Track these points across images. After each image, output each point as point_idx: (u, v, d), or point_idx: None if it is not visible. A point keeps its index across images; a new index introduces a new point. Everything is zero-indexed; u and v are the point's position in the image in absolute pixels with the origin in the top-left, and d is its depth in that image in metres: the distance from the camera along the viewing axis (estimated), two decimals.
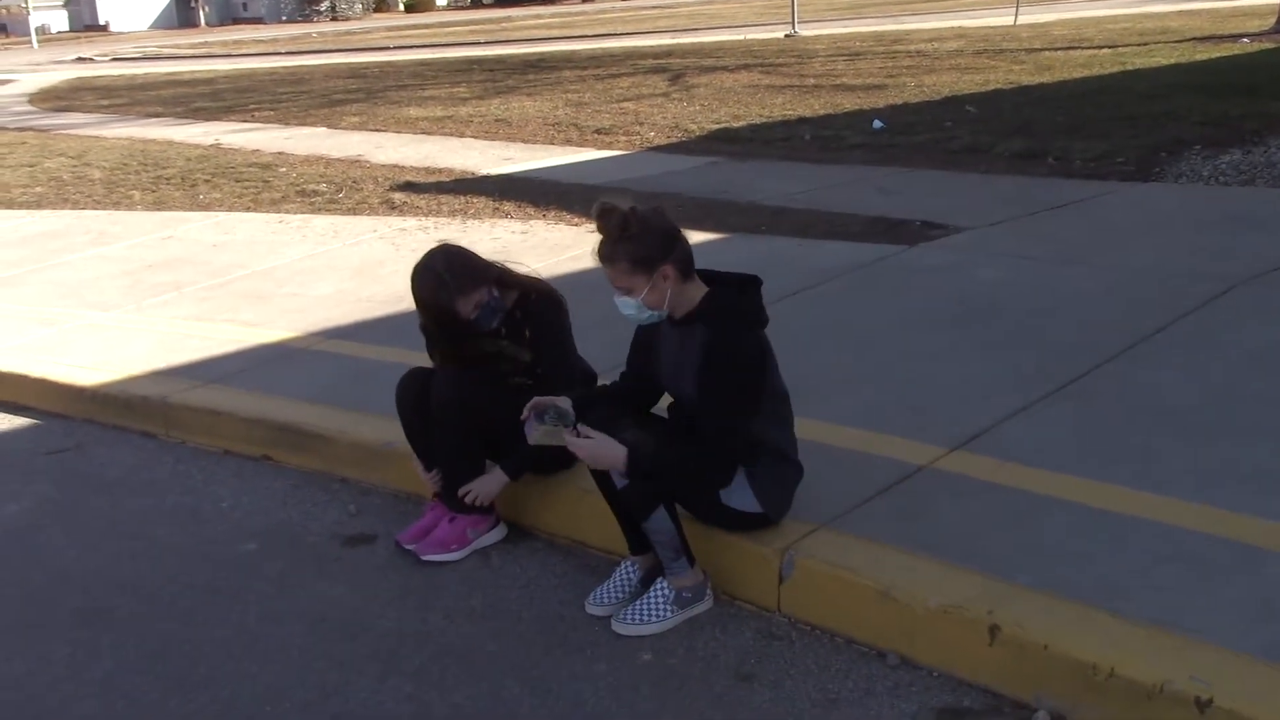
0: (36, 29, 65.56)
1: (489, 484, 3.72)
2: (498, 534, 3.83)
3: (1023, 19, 24.95)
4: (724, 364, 3.16)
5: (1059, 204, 7.46)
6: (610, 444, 3.15)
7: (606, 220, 3.14)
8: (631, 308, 3.24)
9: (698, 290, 3.25)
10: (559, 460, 3.67)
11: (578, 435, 3.20)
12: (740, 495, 3.27)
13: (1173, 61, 15.43)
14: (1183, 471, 3.55)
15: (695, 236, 7.03)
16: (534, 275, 3.96)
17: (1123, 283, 5.61)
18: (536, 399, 3.34)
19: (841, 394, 4.40)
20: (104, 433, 5.06)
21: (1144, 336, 4.77)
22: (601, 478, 3.35)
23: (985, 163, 9.13)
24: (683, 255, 3.21)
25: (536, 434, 3.27)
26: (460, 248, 3.75)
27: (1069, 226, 6.88)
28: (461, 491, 3.70)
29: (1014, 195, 7.84)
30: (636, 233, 3.13)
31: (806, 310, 5.51)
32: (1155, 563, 3.03)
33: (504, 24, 49.60)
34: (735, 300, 3.27)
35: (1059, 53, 17.70)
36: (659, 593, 3.28)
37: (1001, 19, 26.12)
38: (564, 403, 3.33)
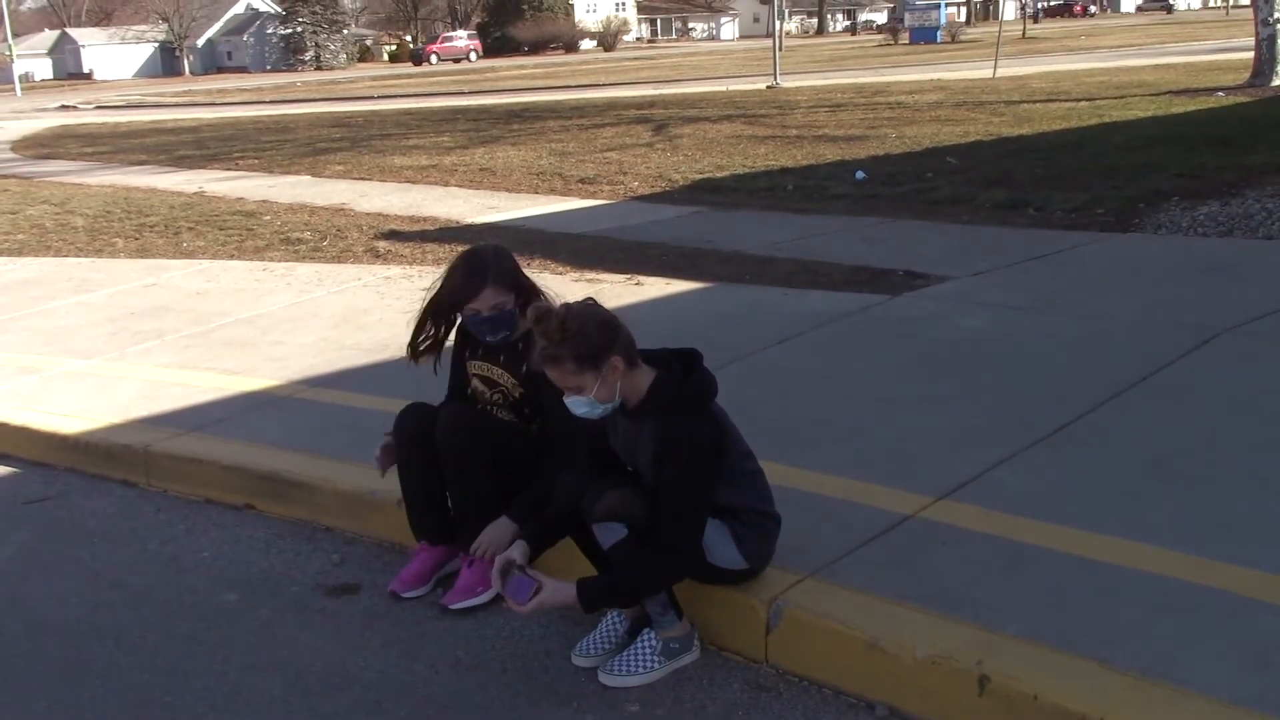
0: (20, 76, 65.70)
1: (498, 534, 3.57)
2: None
3: (1001, 72, 25.30)
4: (679, 458, 3.12)
5: (1040, 254, 7.52)
6: (559, 589, 3.10)
7: (544, 323, 3.10)
8: (584, 406, 3.18)
9: (645, 377, 3.22)
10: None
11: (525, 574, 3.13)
12: (724, 552, 3.24)
13: (1150, 114, 15.65)
14: (1171, 520, 3.55)
15: (679, 286, 7.11)
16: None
17: (1105, 332, 5.64)
18: (501, 560, 3.21)
19: (826, 443, 4.40)
20: (85, 481, 5.01)
21: (1128, 385, 4.79)
22: (582, 534, 3.32)
23: (967, 213, 9.21)
24: (626, 343, 3.19)
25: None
26: (509, 253, 3.86)
27: (1051, 276, 6.93)
28: (473, 546, 3.64)
29: (996, 245, 7.90)
30: (576, 330, 3.09)
31: (791, 359, 5.52)
32: (1145, 613, 3.03)
33: (487, 74, 49.99)
34: (680, 389, 3.23)
35: (1038, 105, 17.93)
36: (646, 643, 3.25)
37: (980, 72, 26.48)
38: (519, 553, 3.23)
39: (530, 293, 3.79)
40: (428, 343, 3.86)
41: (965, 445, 4.26)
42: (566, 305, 3.16)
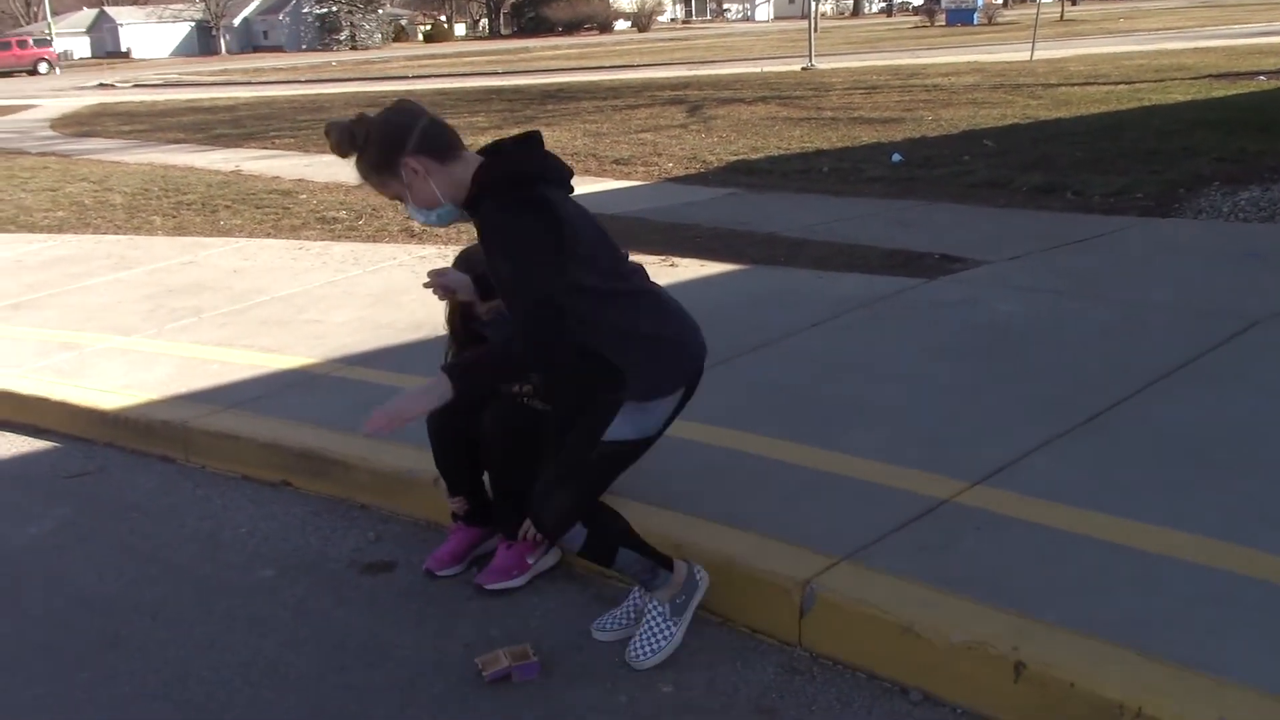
0: (59, 55, 66.18)
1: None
2: (553, 557, 3.80)
3: (1039, 54, 25.04)
4: (497, 245, 2.88)
5: (1078, 239, 7.46)
6: (418, 389, 2.94)
7: (336, 140, 2.89)
8: (419, 215, 2.99)
9: (469, 168, 2.94)
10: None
11: None
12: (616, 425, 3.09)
13: (1190, 98, 15.45)
14: (1209, 508, 3.52)
15: (714, 268, 7.09)
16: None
17: (1144, 318, 5.59)
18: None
19: (861, 427, 4.38)
20: (124, 457, 5.07)
21: (1167, 372, 4.75)
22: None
23: (1004, 197, 9.14)
24: (425, 140, 2.89)
25: None
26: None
27: (1089, 261, 6.87)
28: (522, 531, 3.67)
29: (1033, 229, 7.84)
30: (364, 140, 2.89)
31: (826, 342, 5.50)
32: (1183, 601, 3.01)
33: (522, 55, 49.92)
34: (491, 169, 2.92)
35: (1076, 88, 17.75)
36: (654, 614, 3.26)
37: (1018, 54, 26.23)
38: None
39: None
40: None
41: (1001, 431, 4.24)
42: (359, 114, 2.93)
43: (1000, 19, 53.07)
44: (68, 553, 4.16)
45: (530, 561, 3.73)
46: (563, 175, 3.03)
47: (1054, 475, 3.83)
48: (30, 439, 5.35)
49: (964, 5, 53.94)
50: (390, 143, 2.88)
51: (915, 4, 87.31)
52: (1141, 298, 5.96)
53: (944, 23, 53.76)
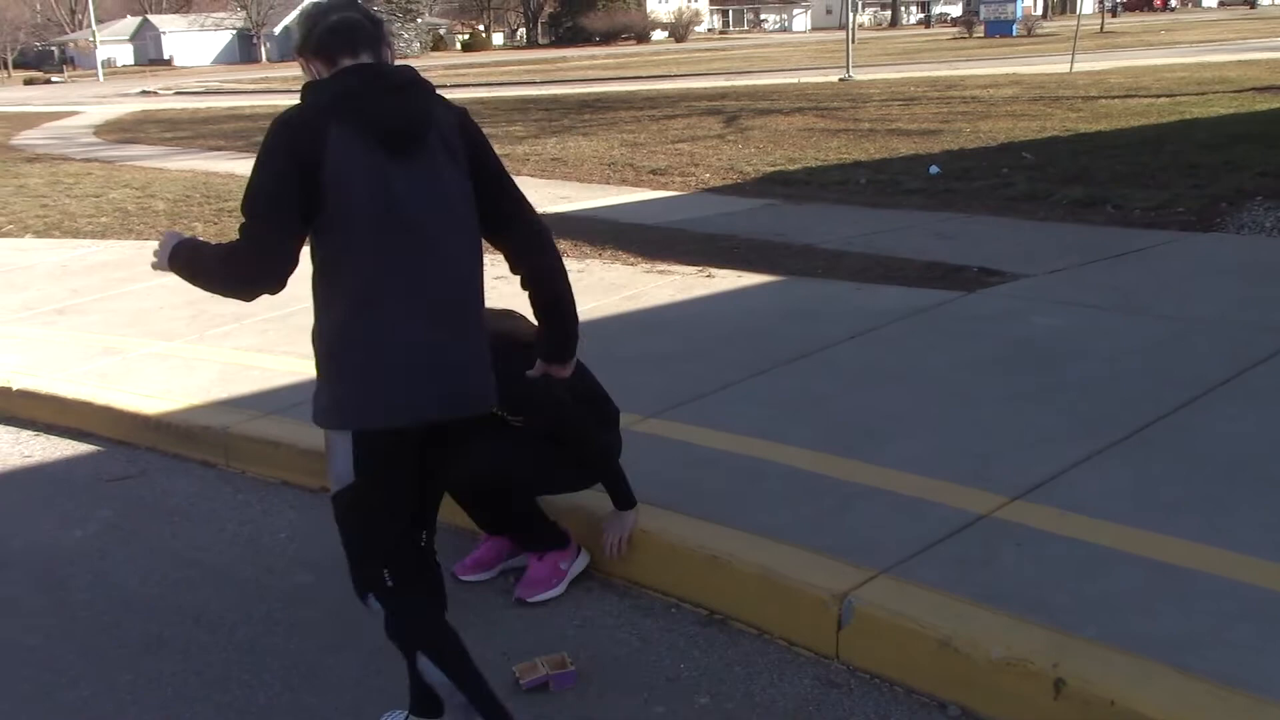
0: (103, 62, 67.01)
1: (624, 526, 3.69)
2: (584, 560, 3.81)
3: (1079, 66, 24.88)
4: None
5: (1119, 253, 7.41)
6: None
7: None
8: None
9: None
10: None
11: None
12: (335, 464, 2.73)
13: (1232, 111, 15.32)
14: (1252, 526, 3.49)
15: (751, 279, 7.10)
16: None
17: (1185, 333, 5.55)
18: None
19: (900, 439, 4.37)
20: (166, 461, 5.12)
21: (1209, 387, 4.71)
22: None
23: (1043, 210, 9.10)
24: (318, 42, 2.64)
25: None
26: None
27: (1129, 275, 6.83)
28: (608, 546, 3.69)
29: (1073, 243, 7.80)
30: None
31: (864, 355, 5.49)
32: (1224, 619, 2.98)
33: (559, 64, 50.09)
34: (310, 89, 2.64)
35: (1116, 101, 17.63)
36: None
37: (1057, 66, 26.07)
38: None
39: None
40: None
41: (1041, 445, 4.22)
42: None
43: (1039, 30, 52.77)
44: (110, 556, 4.21)
45: (564, 568, 3.75)
46: (379, 124, 2.54)
47: (1094, 491, 3.81)
48: (74, 442, 5.41)
49: (1002, 16, 53.70)
50: (298, 37, 2.68)
51: (953, 15, 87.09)
52: (1183, 313, 5.91)
53: (982, 34, 53.56)
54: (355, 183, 2.51)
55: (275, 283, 2.56)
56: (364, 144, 2.51)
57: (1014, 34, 51.21)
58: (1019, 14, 53.95)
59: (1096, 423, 4.41)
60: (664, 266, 7.55)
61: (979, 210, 9.26)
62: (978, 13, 58.53)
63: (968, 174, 10.96)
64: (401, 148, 2.55)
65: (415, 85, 2.64)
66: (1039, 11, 77.05)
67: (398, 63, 2.69)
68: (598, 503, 3.82)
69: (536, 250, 2.93)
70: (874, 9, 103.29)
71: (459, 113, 2.74)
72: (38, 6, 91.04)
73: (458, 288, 2.68)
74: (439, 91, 2.73)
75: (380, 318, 2.57)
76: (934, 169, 11.27)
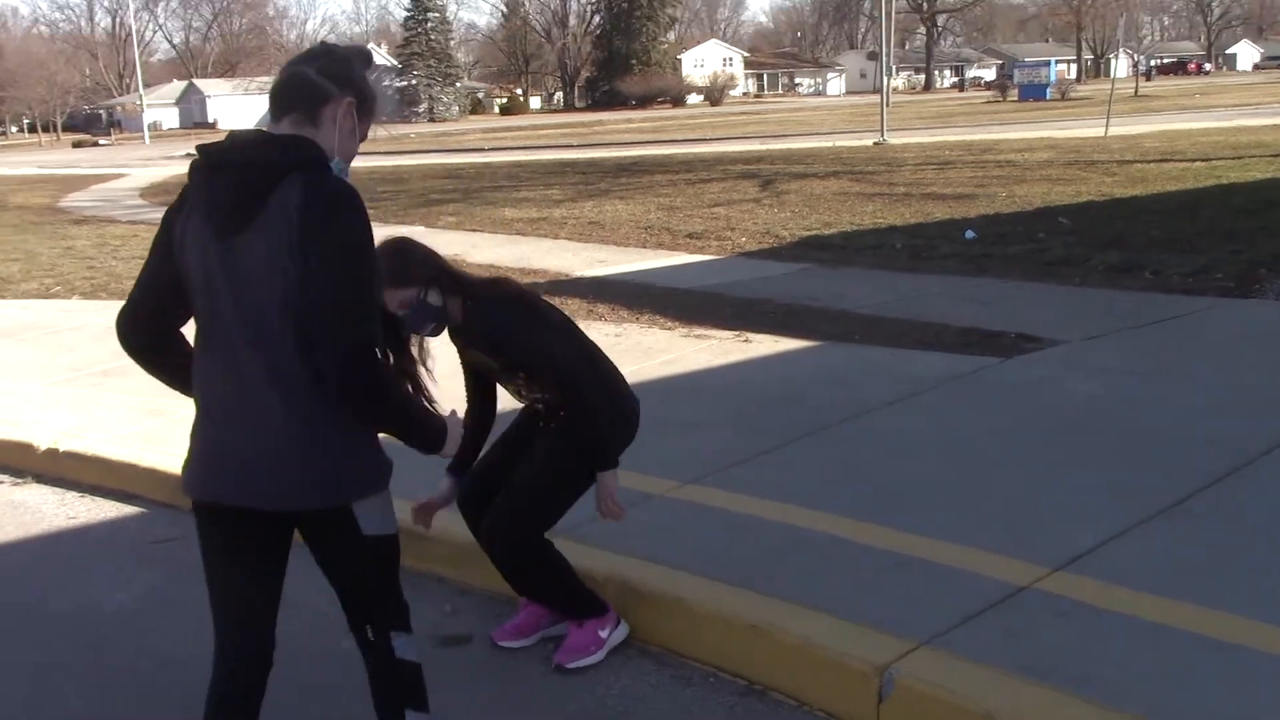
0: (149, 125, 68.39)
1: (608, 485, 3.62)
2: (623, 630, 3.81)
3: (1113, 130, 24.93)
4: None
5: (1157, 319, 7.39)
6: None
7: None
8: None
9: None
10: None
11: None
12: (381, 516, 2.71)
13: (1269, 176, 15.29)
14: None
15: (788, 344, 7.12)
16: (489, 278, 3.69)
17: (1227, 401, 5.52)
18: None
19: (938, 507, 4.36)
20: None
21: (1251, 458, 4.68)
22: None
23: (1080, 275, 9.09)
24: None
25: None
26: (407, 241, 3.52)
27: (1169, 342, 6.81)
28: (603, 509, 3.63)
29: (1111, 309, 7.78)
30: None
31: (901, 421, 5.49)
32: (1269, 694, 2.95)
33: (596, 127, 50.65)
34: None
35: (1151, 165, 17.63)
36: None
37: (1092, 130, 26.13)
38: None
39: (435, 271, 3.48)
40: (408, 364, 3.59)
41: (1081, 515, 4.20)
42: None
43: (1073, 94, 52.95)
44: (153, 617, 4.25)
45: (604, 635, 3.75)
46: (200, 201, 2.48)
47: (1137, 562, 3.78)
48: (119, 504, 5.48)
49: (1036, 80, 54.00)
50: None
51: (987, 79, 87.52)
52: (1224, 380, 5.88)
53: (1016, 98, 53.82)
54: (189, 259, 2.48)
55: (146, 338, 2.67)
56: (199, 220, 2.47)
57: (1048, 98, 51.42)
58: (1053, 78, 54.24)
59: (1137, 492, 4.38)
60: (701, 331, 7.59)
61: (1015, 275, 9.26)
62: (1011, 76, 58.90)
63: (1003, 239, 10.97)
64: (219, 226, 2.43)
65: (243, 164, 2.44)
66: (1072, 75, 77.36)
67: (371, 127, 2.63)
68: (638, 574, 3.83)
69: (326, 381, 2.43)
70: (908, 73, 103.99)
71: (310, 193, 2.39)
72: (87, 71, 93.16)
73: (254, 382, 2.47)
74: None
75: (199, 394, 2.62)
76: (969, 234, 11.30)
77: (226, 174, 2.44)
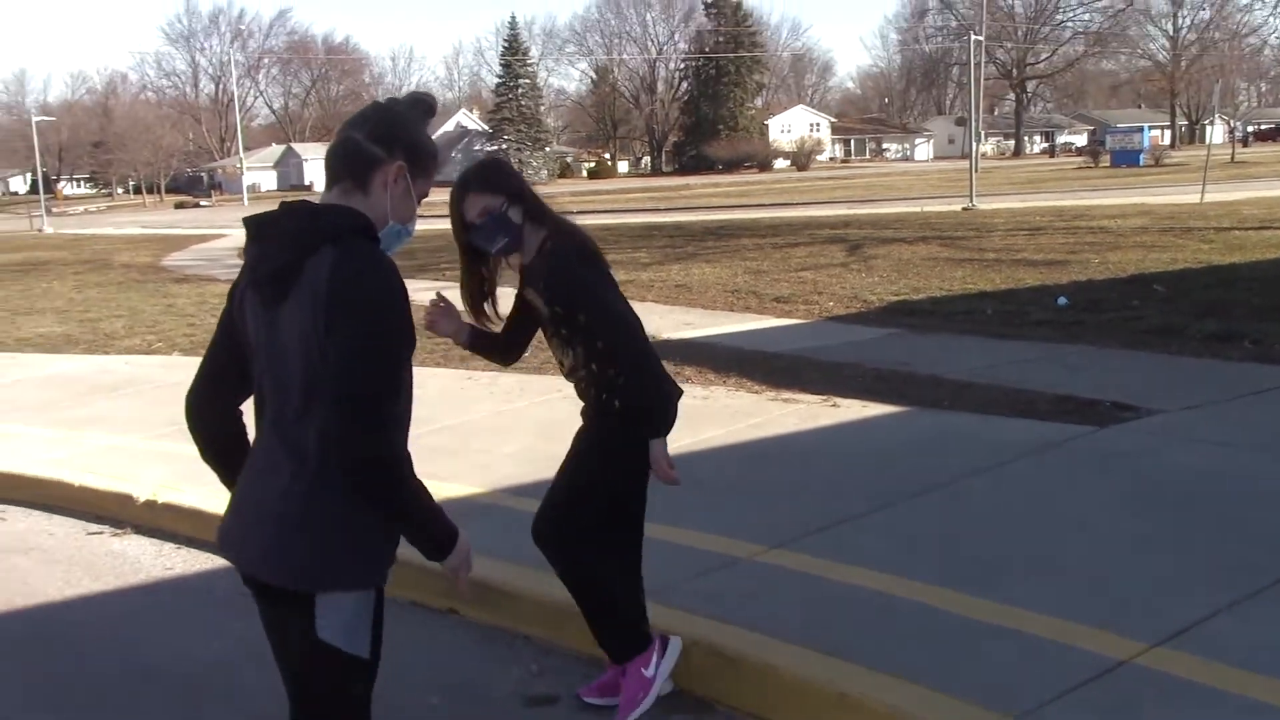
0: (248, 187, 70.39)
1: (659, 451, 3.59)
2: (674, 649, 3.80)
3: (1210, 197, 24.52)
4: None
5: (1259, 389, 7.21)
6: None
7: None
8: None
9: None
10: None
11: None
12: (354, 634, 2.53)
13: None
14: None
15: (876, 409, 7.06)
16: (569, 222, 3.58)
17: None
18: None
19: (1031, 579, 4.28)
20: None
21: None
22: None
23: (1177, 344, 8.91)
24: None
25: None
26: (505, 160, 3.57)
27: (1271, 413, 6.64)
28: (661, 472, 3.60)
29: (1209, 378, 7.61)
30: None
31: (993, 490, 5.41)
32: None
33: (683, 191, 51.03)
34: None
35: (1250, 232, 17.29)
36: None
37: (1187, 196, 25.73)
38: None
39: (530, 201, 3.48)
40: (475, 286, 3.63)
41: (1182, 589, 4.09)
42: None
43: (1168, 160, 52.24)
44: (242, 670, 4.30)
45: (649, 674, 3.72)
46: (246, 271, 2.54)
47: (1240, 639, 3.67)
48: (214, 556, 5.57)
49: (1129, 146, 53.39)
50: None
51: (1078, 144, 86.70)
52: None
53: (1109, 163, 53.21)
54: (247, 328, 2.52)
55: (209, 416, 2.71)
56: (251, 290, 2.50)
57: (1141, 164, 50.78)
58: (1146, 143, 53.61)
59: (1238, 568, 4.26)
60: (788, 395, 7.56)
61: (1109, 343, 9.11)
62: (1103, 142, 58.33)
63: (1097, 306, 10.81)
64: (264, 296, 2.45)
65: (280, 234, 2.46)
66: (1166, 141, 76.34)
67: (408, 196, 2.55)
68: (726, 638, 3.80)
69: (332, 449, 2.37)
70: (997, 138, 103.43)
71: (337, 266, 2.36)
72: (190, 135, 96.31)
73: (273, 448, 2.47)
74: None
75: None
76: (1062, 300, 11.15)
77: (267, 244, 2.47)
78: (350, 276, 2.35)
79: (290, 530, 2.43)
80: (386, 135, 2.50)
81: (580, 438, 3.74)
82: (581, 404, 3.69)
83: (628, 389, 3.48)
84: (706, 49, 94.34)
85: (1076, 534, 4.76)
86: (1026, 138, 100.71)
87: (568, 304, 3.46)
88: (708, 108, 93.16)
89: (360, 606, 2.50)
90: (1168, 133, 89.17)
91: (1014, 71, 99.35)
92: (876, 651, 3.71)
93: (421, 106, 2.61)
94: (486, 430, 7.07)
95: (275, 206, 2.51)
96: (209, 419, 2.71)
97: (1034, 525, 4.90)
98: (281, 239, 2.43)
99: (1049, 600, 4.05)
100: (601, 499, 3.68)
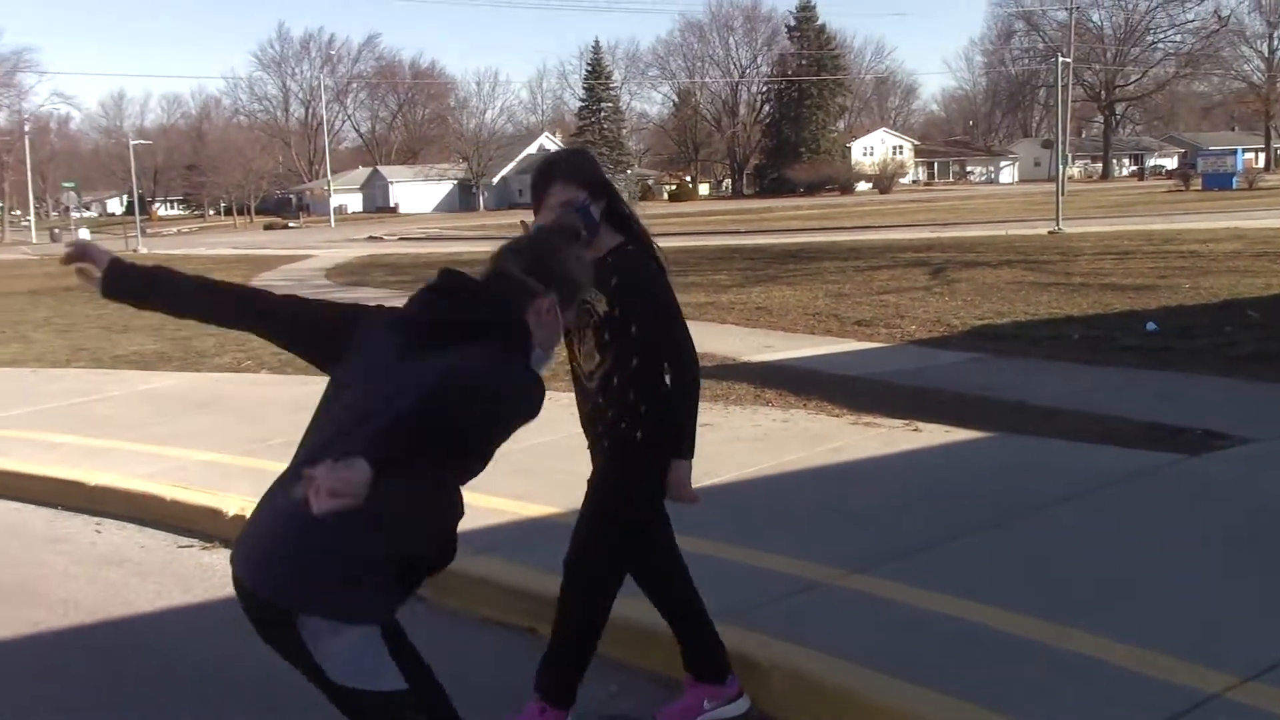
0: (335, 209, 71.67)
1: (682, 473, 3.54)
2: (740, 707, 3.77)
3: None
4: None
5: None
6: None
7: None
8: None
9: None
10: None
11: None
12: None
13: None
14: None
15: (960, 434, 6.98)
16: (647, 231, 3.57)
17: None
18: None
19: (1118, 608, 4.19)
20: None
21: None
22: None
23: (1272, 371, 8.70)
24: None
25: None
26: (592, 155, 3.56)
27: None
28: (682, 495, 3.54)
29: None
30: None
31: (1079, 517, 5.32)
32: None
33: (764, 214, 50.95)
34: None
35: None
36: None
37: None
38: None
39: (614, 199, 3.46)
40: None
41: (1275, 622, 3.98)
42: None
43: (1262, 183, 51.08)
44: (314, 689, 4.36)
45: (708, 707, 3.72)
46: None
47: None
48: None
49: (1222, 169, 52.28)
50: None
51: (1168, 167, 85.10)
52: None
53: (1200, 186, 52.12)
54: (354, 356, 2.69)
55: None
56: (391, 325, 2.66)
57: (1234, 187, 49.69)
58: (1240, 166, 52.42)
59: None
60: (869, 419, 7.51)
61: (1201, 370, 8.91)
62: (1195, 165, 57.18)
63: (1188, 332, 10.59)
64: (408, 337, 2.59)
65: (467, 305, 2.62)
66: (1260, 164, 74.62)
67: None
68: (808, 663, 3.77)
69: None
70: (1084, 161, 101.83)
71: (496, 367, 2.50)
72: (280, 158, 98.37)
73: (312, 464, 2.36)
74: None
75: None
76: (1151, 326, 10.94)
77: (451, 302, 2.61)
78: (502, 384, 2.47)
79: (284, 544, 2.49)
80: (542, 271, 2.66)
81: (594, 469, 3.71)
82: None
83: (653, 417, 3.45)
84: (789, 72, 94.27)
85: (1166, 563, 4.66)
86: (1114, 160, 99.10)
87: (631, 311, 3.42)
88: (790, 130, 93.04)
89: (363, 644, 2.54)
90: (1262, 155, 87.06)
91: (1102, 93, 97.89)
92: (956, 679, 3.66)
93: (569, 233, 2.82)
94: (565, 451, 7.09)
95: (477, 270, 2.68)
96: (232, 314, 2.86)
97: (1121, 554, 4.81)
98: (466, 310, 2.59)
99: (1135, 630, 3.97)
100: (620, 529, 3.66)
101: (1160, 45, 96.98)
